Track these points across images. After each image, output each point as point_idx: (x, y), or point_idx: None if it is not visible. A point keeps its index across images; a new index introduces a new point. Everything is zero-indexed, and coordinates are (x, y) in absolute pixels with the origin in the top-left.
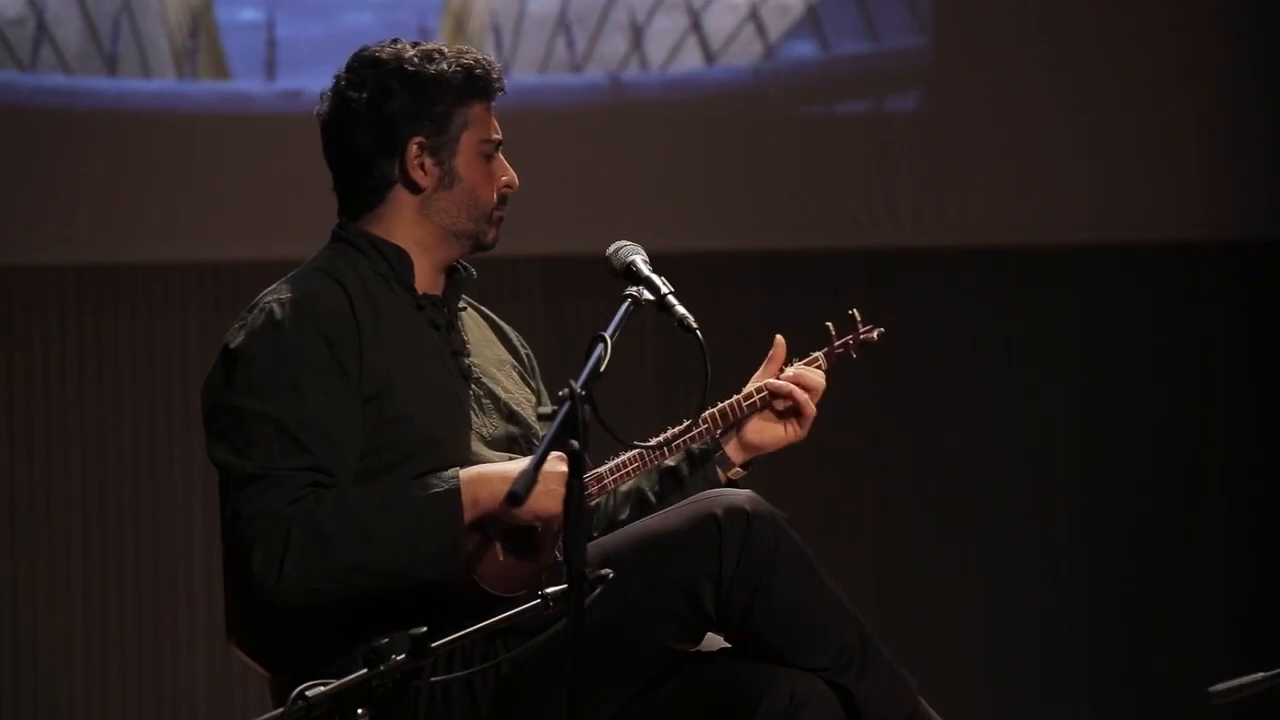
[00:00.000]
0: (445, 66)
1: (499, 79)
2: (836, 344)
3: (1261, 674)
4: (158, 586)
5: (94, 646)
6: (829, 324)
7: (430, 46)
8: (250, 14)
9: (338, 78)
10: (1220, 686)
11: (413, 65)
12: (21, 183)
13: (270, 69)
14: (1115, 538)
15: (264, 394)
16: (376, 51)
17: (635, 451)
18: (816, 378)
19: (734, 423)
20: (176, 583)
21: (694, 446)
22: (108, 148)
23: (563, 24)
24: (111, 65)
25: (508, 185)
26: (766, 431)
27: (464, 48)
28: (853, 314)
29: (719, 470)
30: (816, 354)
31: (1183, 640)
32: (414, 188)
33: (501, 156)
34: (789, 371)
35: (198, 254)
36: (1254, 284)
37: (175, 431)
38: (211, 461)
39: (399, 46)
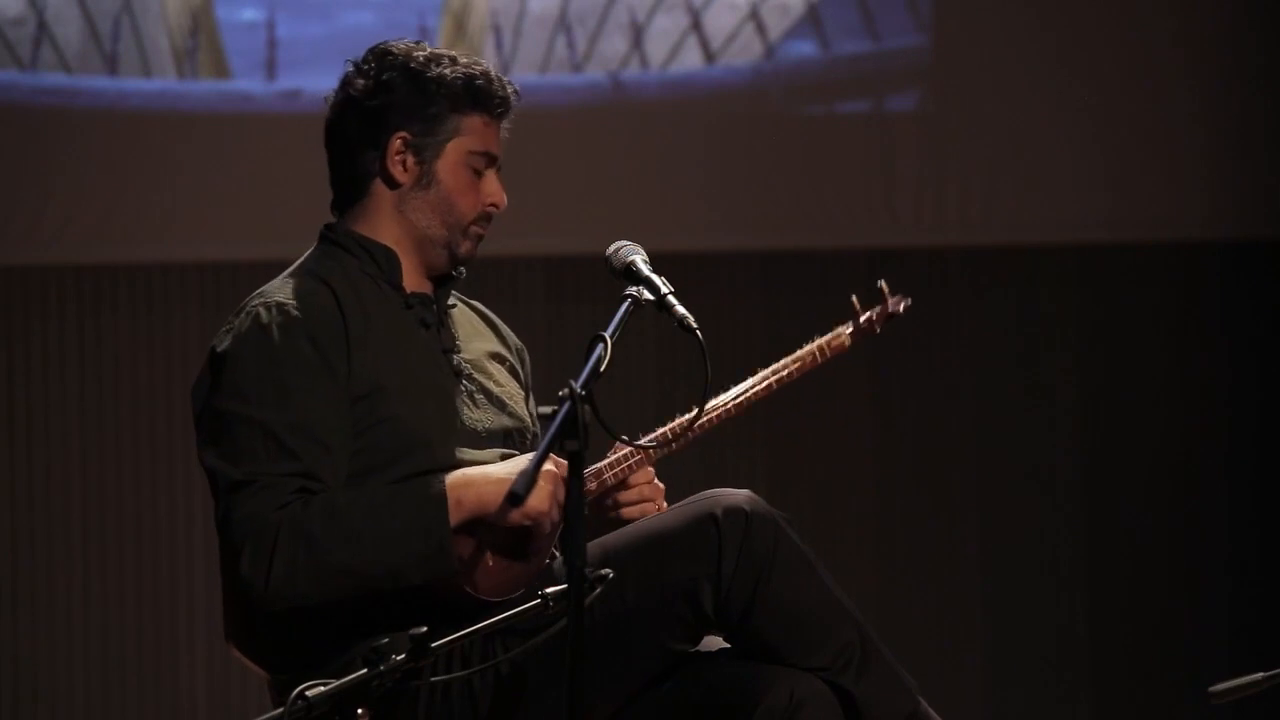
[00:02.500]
0: (448, 71)
1: (504, 97)
2: (862, 319)
3: (1261, 674)
4: (158, 587)
5: (94, 647)
6: (854, 297)
7: (444, 51)
8: (250, 13)
9: (348, 65)
10: (1220, 686)
11: (416, 64)
12: (21, 183)
13: (270, 69)
14: (1116, 538)
15: (250, 398)
16: (390, 46)
17: (632, 448)
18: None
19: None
20: (176, 583)
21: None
22: (108, 147)
23: (563, 24)
24: (111, 65)
25: (493, 205)
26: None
27: (479, 60)
28: (881, 285)
29: None
30: (841, 329)
31: (1183, 640)
32: (391, 182)
33: (494, 176)
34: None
35: (198, 254)
36: (1255, 284)
37: (175, 431)
38: (201, 466)
39: (413, 45)
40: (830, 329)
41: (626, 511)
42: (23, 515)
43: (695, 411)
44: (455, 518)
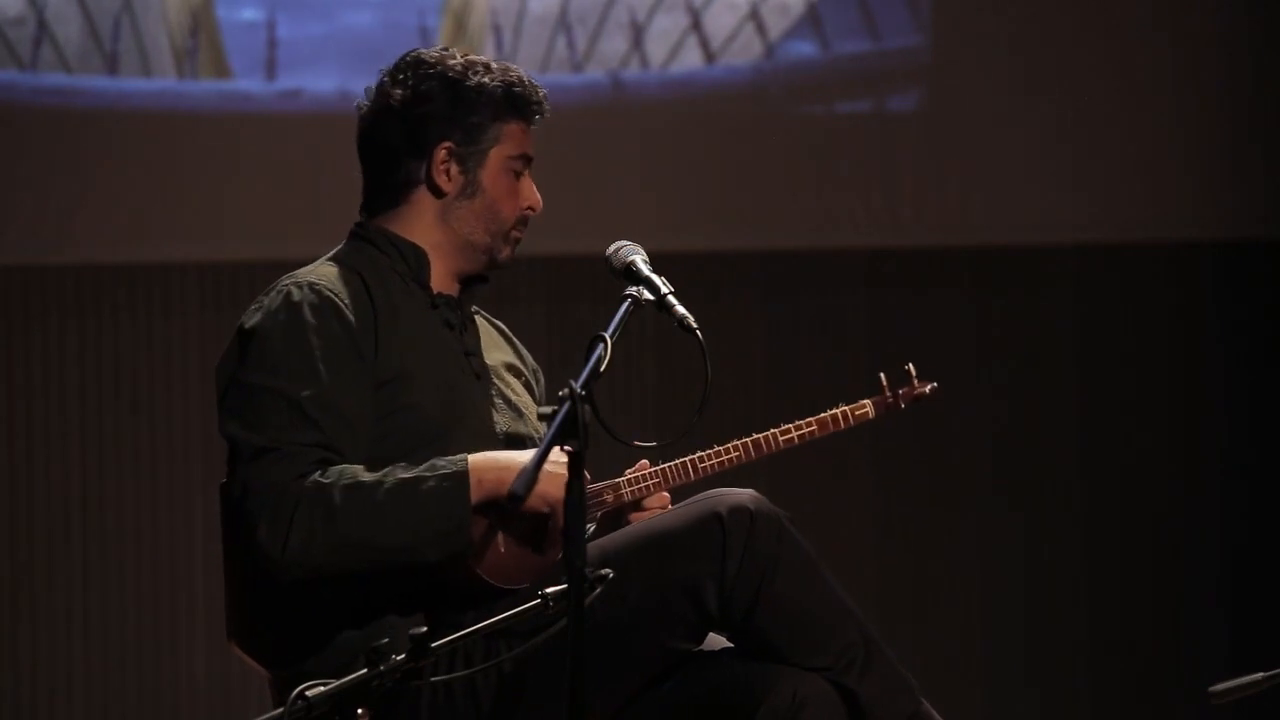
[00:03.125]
0: (487, 80)
1: (540, 103)
2: (888, 396)
3: (1261, 674)
4: (157, 586)
5: (94, 646)
6: (882, 375)
7: (478, 59)
8: (251, 13)
9: (382, 74)
10: (1220, 686)
11: (455, 73)
12: (21, 183)
13: (270, 68)
14: (1115, 537)
15: (278, 370)
16: (424, 54)
17: (656, 469)
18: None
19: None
20: (177, 582)
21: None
22: (108, 148)
23: (563, 23)
24: (112, 65)
25: (530, 208)
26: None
27: (511, 66)
28: (908, 370)
29: None
30: (865, 401)
31: (1183, 640)
32: (437, 192)
33: (530, 178)
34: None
35: (198, 254)
36: (1255, 284)
37: (175, 432)
38: (223, 436)
39: (447, 53)
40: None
41: None
42: (23, 515)
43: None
44: (476, 496)
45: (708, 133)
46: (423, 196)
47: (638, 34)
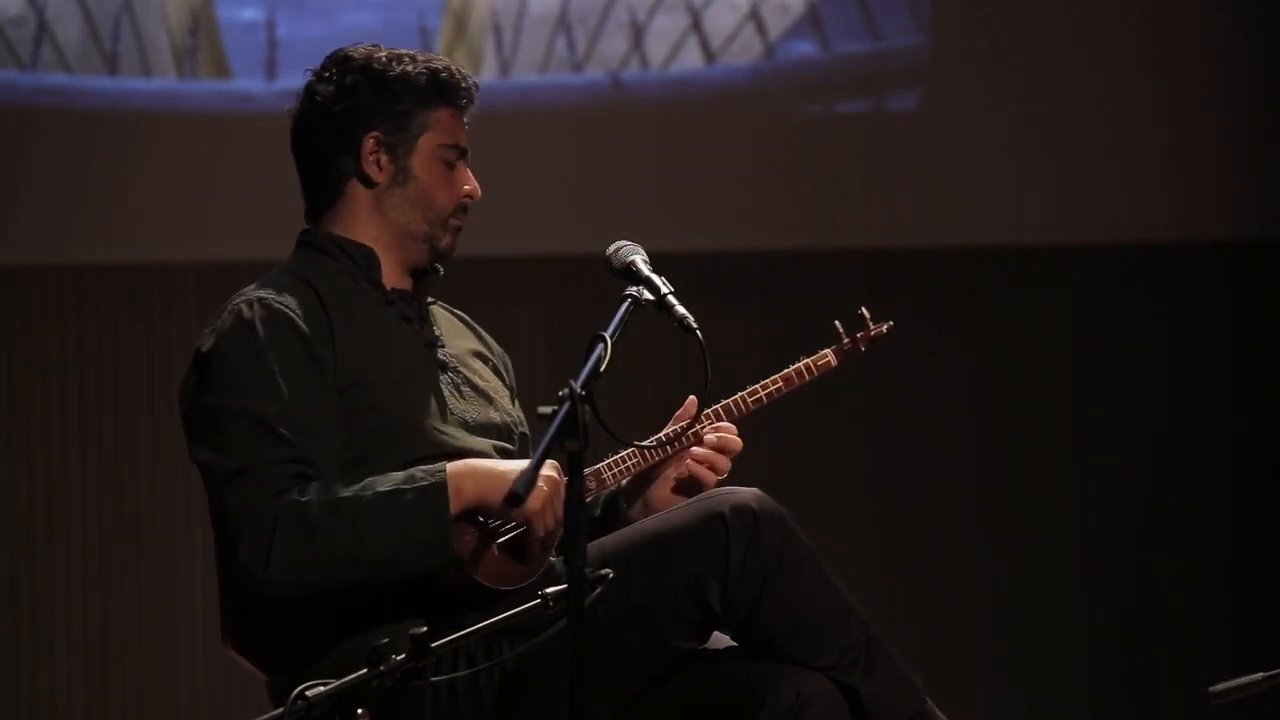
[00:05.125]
0: (412, 69)
1: (467, 89)
2: (845, 341)
3: (1261, 674)
4: (157, 588)
5: (94, 648)
6: (837, 322)
7: (403, 51)
8: (251, 13)
9: (309, 74)
10: (1220, 686)
11: (379, 65)
12: (22, 183)
13: (270, 68)
14: (1114, 537)
15: (238, 390)
16: (349, 51)
17: (633, 450)
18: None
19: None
20: (176, 584)
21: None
22: (108, 148)
23: (563, 23)
24: (112, 65)
25: (468, 195)
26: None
27: (436, 56)
28: (862, 313)
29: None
30: (825, 350)
31: (1183, 640)
32: (368, 182)
33: (465, 166)
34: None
35: (198, 254)
36: (1255, 284)
37: (175, 432)
38: (194, 464)
39: (372, 48)
40: (816, 349)
41: (693, 467)
42: (22, 515)
43: (697, 412)
44: (455, 506)
45: (708, 133)
46: (356, 189)
47: (638, 34)
